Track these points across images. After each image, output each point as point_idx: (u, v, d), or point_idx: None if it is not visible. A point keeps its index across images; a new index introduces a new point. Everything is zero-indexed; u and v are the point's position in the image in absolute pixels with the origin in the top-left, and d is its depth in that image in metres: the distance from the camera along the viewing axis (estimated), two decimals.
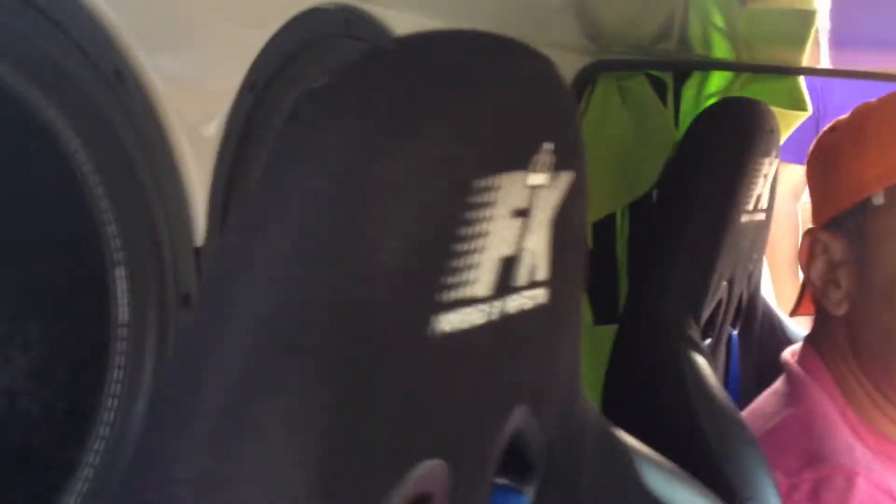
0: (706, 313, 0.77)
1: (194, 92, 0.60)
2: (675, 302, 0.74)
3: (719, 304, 0.81)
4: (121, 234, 0.51)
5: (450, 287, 0.33)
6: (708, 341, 0.82)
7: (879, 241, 0.70)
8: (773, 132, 0.83)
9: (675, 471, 0.54)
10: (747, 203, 0.79)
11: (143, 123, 0.54)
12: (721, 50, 1.11)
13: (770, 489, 0.65)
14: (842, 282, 0.72)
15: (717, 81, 1.17)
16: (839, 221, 0.73)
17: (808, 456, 0.69)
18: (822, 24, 1.08)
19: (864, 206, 0.71)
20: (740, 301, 0.89)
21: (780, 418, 0.75)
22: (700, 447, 0.66)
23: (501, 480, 0.47)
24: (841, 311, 0.73)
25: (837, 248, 0.72)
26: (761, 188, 0.82)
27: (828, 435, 0.70)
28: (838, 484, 0.66)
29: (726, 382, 0.88)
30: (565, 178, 0.42)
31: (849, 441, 0.70)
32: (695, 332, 0.73)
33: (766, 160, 0.81)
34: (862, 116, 0.76)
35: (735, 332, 0.89)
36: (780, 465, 0.69)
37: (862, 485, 0.66)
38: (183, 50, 0.59)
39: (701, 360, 0.71)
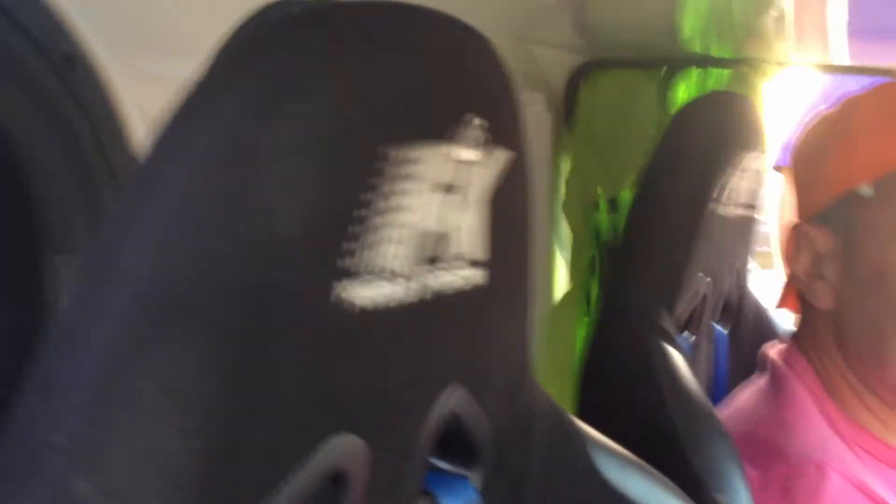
0: (682, 306, 0.75)
1: (152, 80, 0.59)
2: (648, 293, 0.73)
3: (701, 298, 0.80)
4: (69, 220, 0.51)
5: (361, 259, 0.32)
6: (690, 336, 0.81)
7: (866, 233, 0.69)
8: (755, 126, 0.82)
9: (633, 461, 0.53)
10: (725, 196, 0.78)
11: (97, 111, 0.54)
12: (715, 47, 1.10)
13: (740, 484, 0.63)
14: (827, 276, 0.71)
15: (714, 78, 1.16)
16: (825, 215, 0.72)
17: (781, 450, 0.68)
18: (833, 17, 1.07)
19: (851, 198, 0.69)
20: (726, 297, 0.87)
21: (758, 414, 0.73)
22: (669, 440, 0.65)
23: (447, 466, 0.47)
24: (826, 305, 0.71)
25: (823, 242, 0.71)
26: (743, 182, 0.81)
27: (803, 429, 0.69)
28: (810, 477, 0.65)
29: (713, 378, 0.86)
30: (501, 157, 0.41)
31: (825, 436, 0.69)
32: (668, 325, 0.72)
33: (748, 154, 0.80)
34: (850, 108, 0.74)
35: (721, 329, 0.88)
36: (753, 460, 0.67)
37: (834, 478, 0.65)
38: (142, 37, 0.59)
39: (673, 353, 0.70)
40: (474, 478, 0.46)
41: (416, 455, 0.39)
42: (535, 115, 1.17)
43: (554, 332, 1.09)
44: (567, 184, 1.18)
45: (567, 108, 1.20)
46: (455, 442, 0.46)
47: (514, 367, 0.48)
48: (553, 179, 1.18)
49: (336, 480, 0.35)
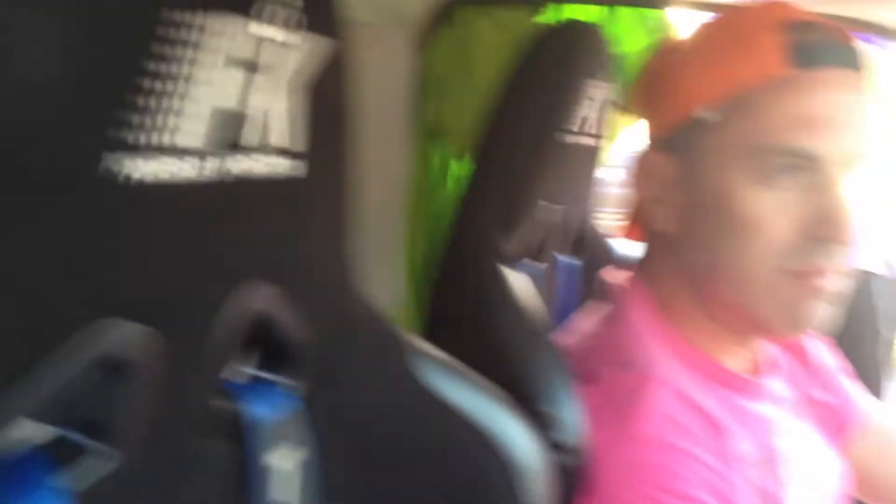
0: (525, 232, 0.76)
1: None
2: (489, 216, 0.73)
3: (545, 226, 0.81)
4: None
5: (144, 132, 0.30)
6: (534, 263, 0.82)
7: (707, 157, 0.70)
8: (602, 54, 0.83)
9: (461, 371, 0.53)
10: (571, 124, 0.79)
11: None
12: None
13: (568, 397, 0.65)
14: (672, 201, 0.73)
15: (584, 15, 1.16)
16: (671, 141, 0.73)
17: (612, 366, 0.70)
18: None
19: (693, 123, 0.71)
20: (572, 227, 0.88)
21: (594, 335, 0.75)
22: (500, 355, 0.66)
23: (268, 376, 0.46)
24: (669, 229, 0.73)
25: (669, 168, 0.73)
26: (588, 111, 0.82)
27: (635, 348, 0.71)
28: (634, 385, 0.67)
29: (559, 306, 0.88)
30: (318, 44, 0.40)
31: (657, 353, 0.71)
32: (508, 248, 0.73)
33: (594, 82, 0.81)
34: (694, 35, 0.75)
35: (567, 259, 0.90)
36: (585, 376, 0.69)
37: (657, 387, 0.67)
38: None
39: (510, 274, 0.71)
40: (296, 386, 0.45)
41: (214, 351, 0.38)
42: (395, 51, 1.15)
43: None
44: (424, 121, 1.17)
45: (427, 44, 1.19)
46: (273, 349, 0.45)
47: (333, 270, 0.47)
48: (411, 117, 1.17)
49: (119, 371, 0.33)
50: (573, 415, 0.64)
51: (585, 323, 0.78)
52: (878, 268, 1.77)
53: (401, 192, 1.16)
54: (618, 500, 0.63)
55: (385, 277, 1.01)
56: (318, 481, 0.45)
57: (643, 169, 0.75)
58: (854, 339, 1.63)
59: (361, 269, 0.50)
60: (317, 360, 0.46)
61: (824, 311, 0.69)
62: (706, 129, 0.70)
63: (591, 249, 0.92)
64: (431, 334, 0.71)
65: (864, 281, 1.73)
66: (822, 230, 0.67)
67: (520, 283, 0.72)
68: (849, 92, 0.68)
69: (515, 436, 0.54)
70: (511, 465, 0.52)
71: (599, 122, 0.85)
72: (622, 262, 0.81)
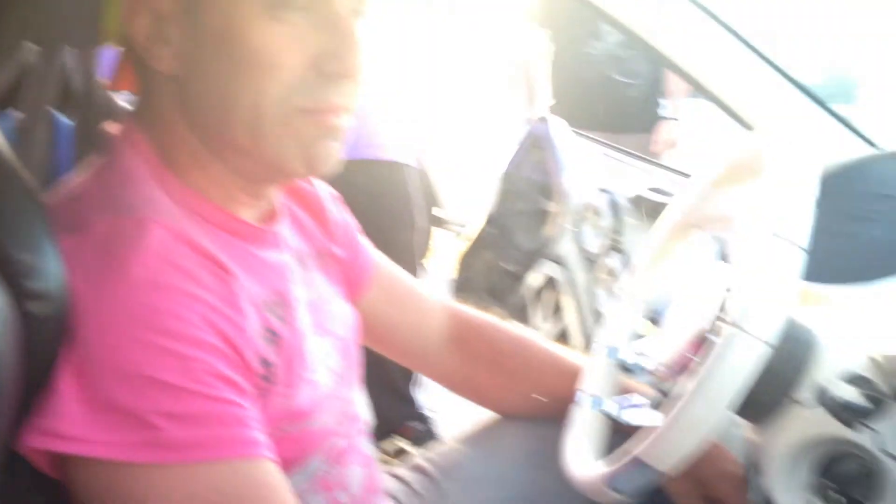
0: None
1: None
2: None
3: (29, 74, 0.70)
4: None
5: None
6: (8, 112, 0.71)
7: None
8: None
9: None
10: None
11: None
12: None
13: (45, 246, 0.58)
14: (171, 37, 0.66)
15: None
16: None
17: (101, 212, 0.63)
18: None
19: None
20: (70, 81, 0.78)
21: (83, 185, 0.67)
22: None
23: None
24: (168, 69, 0.66)
25: (163, 2, 0.66)
26: None
27: (128, 192, 0.65)
28: (130, 231, 0.61)
29: (59, 167, 0.78)
30: None
31: (154, 196, 0.65)
32: None
33: None
34: None
35: (63, 118, 0.80)
36: (71, 226, 0.62)
37: (158, 232, 0.62)
38: None
39: None
40: None
41: None
42: None
43: None
44: None
45: None
46: None
47: None
48: None
49: None
50: (50, 262, 0.57)
51: (77, 176, 0.70)
52: (409, 159, 1.87)
53: None
54: (107, 346, 0.57)
55: None
56: None
57: (133, 3, 0.67)
58: (390, 228, 1.72)
59: None
60: None
61: (336, 149, 0.69)
62: None
63: (90, 105, 0.82)
64: None
65: (398, 172, 1.83)
66: (332, 65, 0.66)
67: None
68: None
69: None
70: None
71: None
72: (124, 115, 0.74)
